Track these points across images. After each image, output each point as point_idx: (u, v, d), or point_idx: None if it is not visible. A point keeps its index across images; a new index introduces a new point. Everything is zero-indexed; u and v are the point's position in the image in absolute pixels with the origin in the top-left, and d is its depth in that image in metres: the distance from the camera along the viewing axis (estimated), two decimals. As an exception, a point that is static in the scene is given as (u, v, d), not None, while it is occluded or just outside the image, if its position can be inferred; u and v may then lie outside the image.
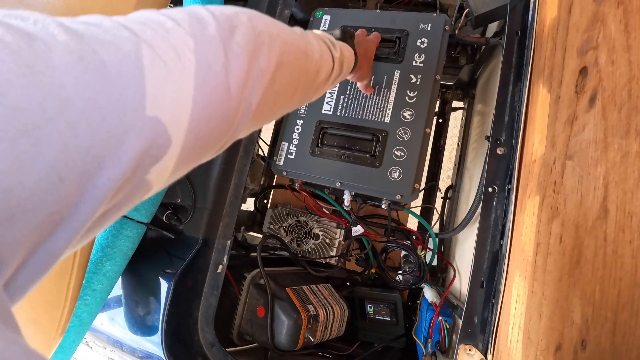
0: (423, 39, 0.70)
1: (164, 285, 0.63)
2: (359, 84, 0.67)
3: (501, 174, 0.57)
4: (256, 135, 0.69)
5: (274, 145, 0.81)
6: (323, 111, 0.73)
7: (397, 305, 0.82)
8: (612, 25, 0.37)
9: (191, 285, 0.63)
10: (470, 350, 0.53)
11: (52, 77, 0.17)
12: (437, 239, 0.78)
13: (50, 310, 0.52)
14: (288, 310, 0.69)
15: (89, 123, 0.18)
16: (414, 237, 0.81)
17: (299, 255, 0.84)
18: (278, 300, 0.70)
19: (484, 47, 0.85)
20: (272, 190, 1.01)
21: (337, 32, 0.52)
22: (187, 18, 0.27)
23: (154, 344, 0.63)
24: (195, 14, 0.28)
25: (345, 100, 0.72)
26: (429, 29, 0.71)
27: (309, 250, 0.85)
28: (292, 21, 0.83)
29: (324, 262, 0.86)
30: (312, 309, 0.72)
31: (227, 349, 0.64)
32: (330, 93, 0.74)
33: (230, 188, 0.66)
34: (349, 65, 0.50)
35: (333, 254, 0.84)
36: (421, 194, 1.00)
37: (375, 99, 0.70)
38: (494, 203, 0.57)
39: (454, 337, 0.67)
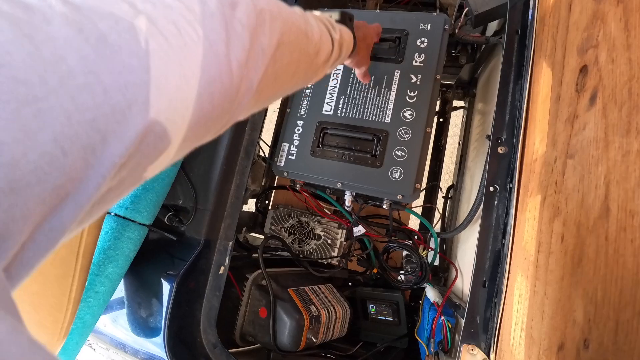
0: (423, 39, 0.70)
1: (166, 287, 0.63)
2: (357, 72, 0.67)
3: (502, 173, 0.57)
4: (257, 136, 0.69)
5: (275, 146, 0.81)
6: (323, 112, 0.73)
7: (400, 305, 0.82)
8: (612, 24, 0.37)
9: (193, 287, 0.63)
10: (472, 350, 0.53)
11: (53, 49, 0.17)
12: (438, 239, 0.78)
13: (53, 313, 0.53)
14: (290, 311, 0.69)
15: (92, 96, 0.18)
16: (416, 237, 0.81)
17: (301, 256, 0.84)
18: (280, 301, 0.70)
19: (484, 46, 0.85)
20: (274, 191, 1.01)
21: (337, 14, 0.50)
22: None
23: (156, 346, 0.63)
24: None
25: (346, 100, 0.72)
26: (428, 28, 0.71)
27: (311, 250, 0.85)
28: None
29: (325, 262, 0.86)
30: (314, 309, 0.72)
31: (229, 350, 0.64)
32: (330, 93, 0.74)
33: (231, 189, 0.66)
34: (347, 49, 0.49)
35: (335, 254, 0.84)
36: (422, 194, 0.99)
37: (376, 99, 0.70)
38: (496, 202, 0.57)
39: (456, 336, 0.67)
